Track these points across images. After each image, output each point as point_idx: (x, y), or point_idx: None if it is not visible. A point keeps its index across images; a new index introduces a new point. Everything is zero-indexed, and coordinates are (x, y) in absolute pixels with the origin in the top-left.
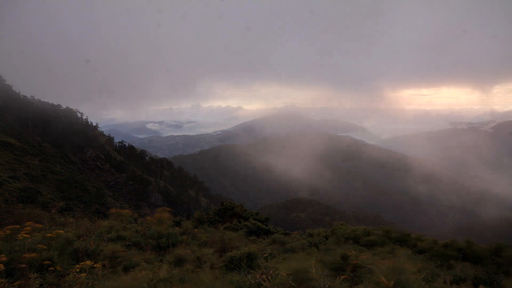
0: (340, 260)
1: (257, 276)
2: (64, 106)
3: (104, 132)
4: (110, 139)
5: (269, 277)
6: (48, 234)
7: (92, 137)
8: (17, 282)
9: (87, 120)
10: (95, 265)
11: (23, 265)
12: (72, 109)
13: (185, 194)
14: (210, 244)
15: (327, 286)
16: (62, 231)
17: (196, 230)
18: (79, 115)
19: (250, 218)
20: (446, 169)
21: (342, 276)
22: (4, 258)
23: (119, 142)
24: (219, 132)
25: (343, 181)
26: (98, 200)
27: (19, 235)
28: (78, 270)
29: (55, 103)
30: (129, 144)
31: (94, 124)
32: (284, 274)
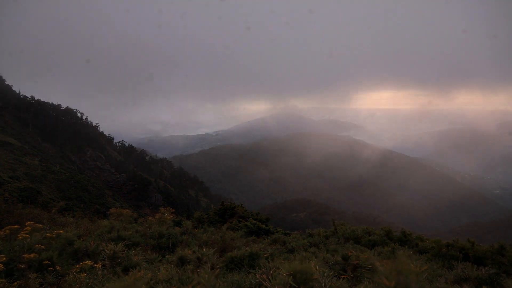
0: (341, 260)
1: (258, 276)
2: (64, 106)
3: (104, 132)
4: (110, 139)
5: (269, 277)
6: (48, 234)
7: (92, 137)
8: (17, 282)
9: (87, 120)
10: (95, 265)
11: (23, 265)
12: (72, 109)
13: (185, 194)
14: (210, 244)
15: (328, 286)
16: (62, 231)
17: (196, 230)
18: (79, 115)
19: (250, 218)
20: (447, 169)
21: (343, 276)
22: (4, 258)
23: (119, 142)
24: (219, 132)
25: (343, 181)
26: (98, 200)
27: (19, 235)
28: (78, 270)
29: (55, 103)
30: (129, 144)
31: (94, 124)
32: (285, 274)
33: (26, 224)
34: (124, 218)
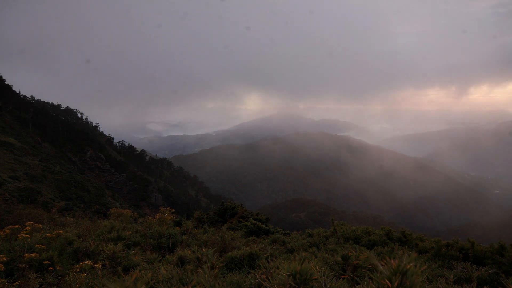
0: (341, 260)
1: (257, 276)
2: (64, 106)
3: (104, 132)
4: (110, 139)
5: (269, 277)
6: (48, 234)
7: (92, 137)
8: (17, 282)
9: (87, 120)
10: (95, 265)
11: (23, 265)
12: (72, 109)
13: (185, 194)
14: (210, 244)
15: (328, 286)
16: (62, 231)
17: (196, 230)
18: (79, 115)
19: (250, 218)
20: (446, 169)
21: (343, 276)
22: (4, 258)
23: (119, 142)
24: (219, 132)
25: (343, 181)
26: (98, 200)
27: (19, 235)
28: (78, 270)
29: (55, 103)
30: (129, 144)
31: (94, 124)
32: (285, 274)
33: (26, 224)
34: (124, 218)
